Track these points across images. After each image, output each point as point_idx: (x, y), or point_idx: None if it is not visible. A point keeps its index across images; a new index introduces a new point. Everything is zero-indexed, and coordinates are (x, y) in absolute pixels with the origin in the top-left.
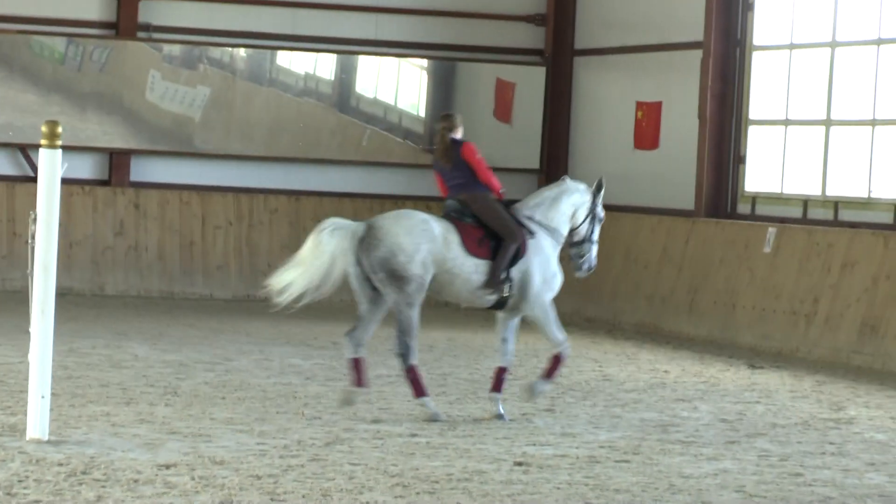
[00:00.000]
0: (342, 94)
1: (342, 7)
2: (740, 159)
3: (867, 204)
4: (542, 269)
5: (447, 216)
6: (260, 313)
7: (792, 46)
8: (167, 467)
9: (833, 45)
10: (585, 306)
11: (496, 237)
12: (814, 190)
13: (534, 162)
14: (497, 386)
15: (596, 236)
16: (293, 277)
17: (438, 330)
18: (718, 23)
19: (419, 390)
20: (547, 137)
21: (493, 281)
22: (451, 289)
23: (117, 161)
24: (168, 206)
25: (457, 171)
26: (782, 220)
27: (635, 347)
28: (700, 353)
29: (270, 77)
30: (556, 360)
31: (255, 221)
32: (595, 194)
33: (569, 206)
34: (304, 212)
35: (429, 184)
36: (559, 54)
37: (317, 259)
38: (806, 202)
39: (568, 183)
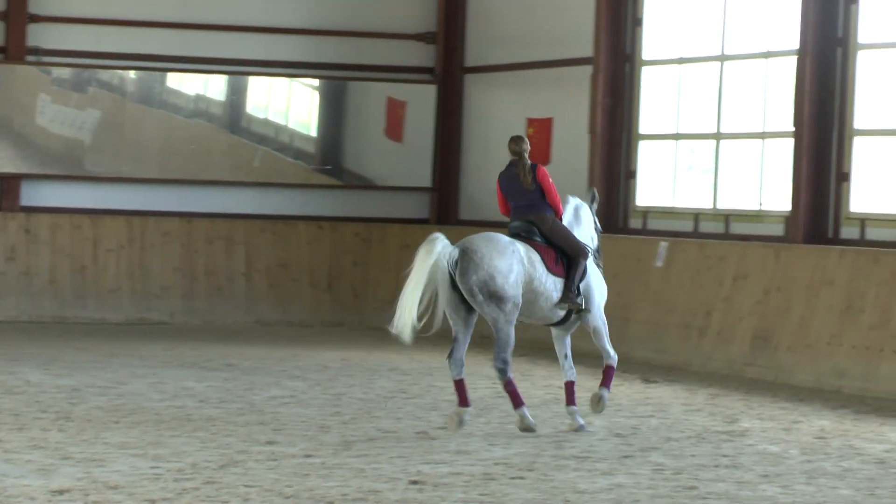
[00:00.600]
0: (233, 115)
1: (232, 28)
2: (631, 174)
3: (758, 216)
4: (598, 282)
5: (518, 236)
6: (153, 336)
7: (681, 61)
8: (61, 493)
9: (722, 58)
10: (479, 323)
11: (566, 255)
12: (705, 203)
13: (426, 180)
14: (571, 398)
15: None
16: (407, 302)
17: (332, 350)
18: (607, 38)
19: (517, 401)
20: (438, 155)
21: (569, 296)
22: (533, 306)
23: (7, 185)
24: (59, 231)
25: (530, 193)
26: (674, 234)
27: (529, 364)
28: (594, 368)
29: (161, 99)
30: (611, 370)
31: (147, 244)
32: (591, 207)
33: (588, 220)
34: (197, 234)
35: (321, 204)
36: (449, 72)
37: (422, 275)
38: (697, 216)
39: (576, 200)
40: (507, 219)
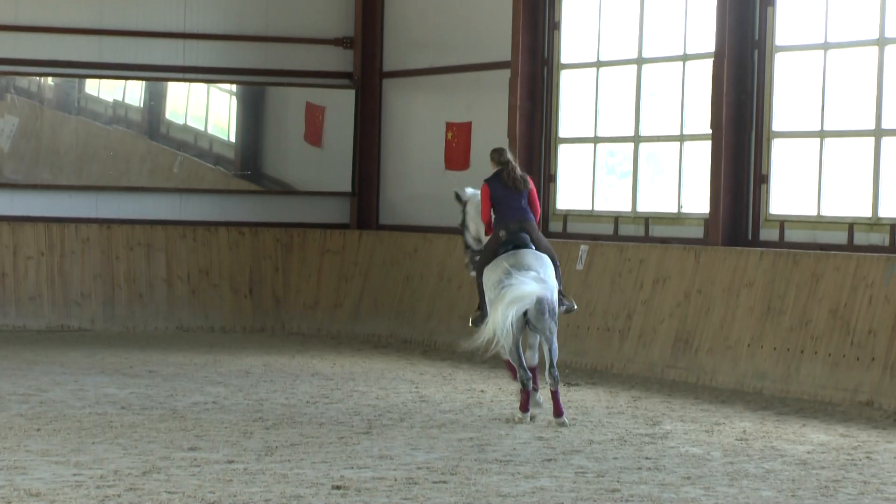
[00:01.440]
0: (152, 120)
1: (149, 33)
2: (551, 177)
3: (677, 219)
4: None
5: (523, 243)
6: (74, 343)
7: (599, 64)
8: None
9: (640, 61)
10: (400, 328)
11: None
12: (624, 206)
13: (346, 185)
14: (535, 384)
15: None
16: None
17: (254, 355)
18: (525, 42)
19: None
20: (358, 160)
21: (564, 299)
22: None
23: None
24: None
25: (522, 200)
26: (594, 238)
27: (451, 368)
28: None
29: (79, 105)
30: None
31: (66, 251)
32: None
33: None
34: (117, 240)
35: (241, 210)
36: (368, 77)
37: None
38: (617, 219)
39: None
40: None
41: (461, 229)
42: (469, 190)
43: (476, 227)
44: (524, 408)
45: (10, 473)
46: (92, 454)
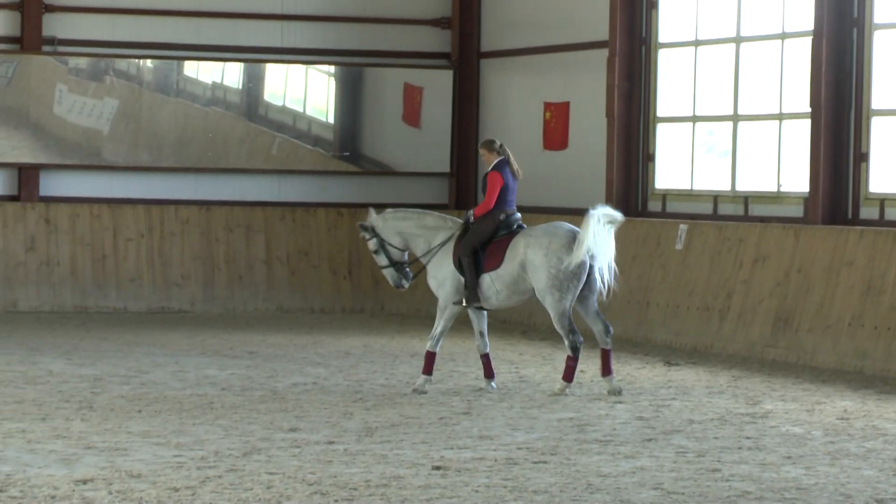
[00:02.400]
0: (250, 102)
1: (247, 15)
2: (649, 157)
3: (777, 198)
4: None
5: (520, 227)
6: (174, 325)
7: (697, 43)
8: (84, 482)
9: (738, 40)
10: (500, 308)
11: None
12: (723, 185)
13: (444, 166)
14: (491, 371)
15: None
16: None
17: (354, 336)
18: (623, 21)
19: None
20: (456, 141)
21: None
22: None
23: (26, 176)
24: (79, 220)
25: (516, 187)
26: (693, 217)
27: (551, 348)
28: (615, 352)
29: (177, 87)
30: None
31: (166, 232)
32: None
33: None
34: (216, 221)
35: (340, 191)
36: (465, 57)
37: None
38: (716, 198)
39: None
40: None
41: (381, 250)
42: (372, 212)
43: (401, 240)
44: (568, 378)
45: (111, 455)
46: (192, 435)
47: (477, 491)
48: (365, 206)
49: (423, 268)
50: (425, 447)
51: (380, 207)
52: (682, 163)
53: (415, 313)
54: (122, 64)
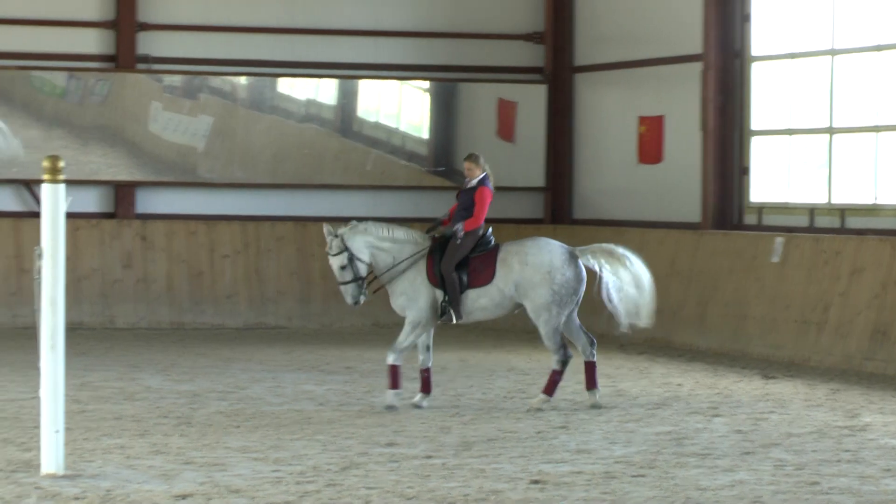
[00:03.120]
0: (344, 118)
1: (341, 32)
2: (744, 170)
3: (873, 210)
4: None
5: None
6: (271, 341)
7: (791, 56)
8: (183, 497)
9: (833, 52)
10: (596, 322)
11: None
12: (819, 198)
13: (539, 180)
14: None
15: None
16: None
17: (450, 351)
18: (717, 34)
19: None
20: (551, 155)
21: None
22: None
23: (122, 193)
24: (175, 237)
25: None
26: (789, 230)
27: (647, 362)
28: (713, 365)
29: (272, 104)
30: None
31: (262, 249)
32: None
33: None
34: (311, 238)
35: (434, 205)
36: (559, 71)
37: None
38: (812, 210)
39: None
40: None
41: (349, 266)
42: (341, 229)
43: (369, 254)
44: (549, 391)
45: (210, 470)
46: (291, 450)
47: None
48: None
49: (383, 284)
50: (523, 461)
51: (343, 221)
52: (777, 176)
53: (511, 327)
54: (216, 81)
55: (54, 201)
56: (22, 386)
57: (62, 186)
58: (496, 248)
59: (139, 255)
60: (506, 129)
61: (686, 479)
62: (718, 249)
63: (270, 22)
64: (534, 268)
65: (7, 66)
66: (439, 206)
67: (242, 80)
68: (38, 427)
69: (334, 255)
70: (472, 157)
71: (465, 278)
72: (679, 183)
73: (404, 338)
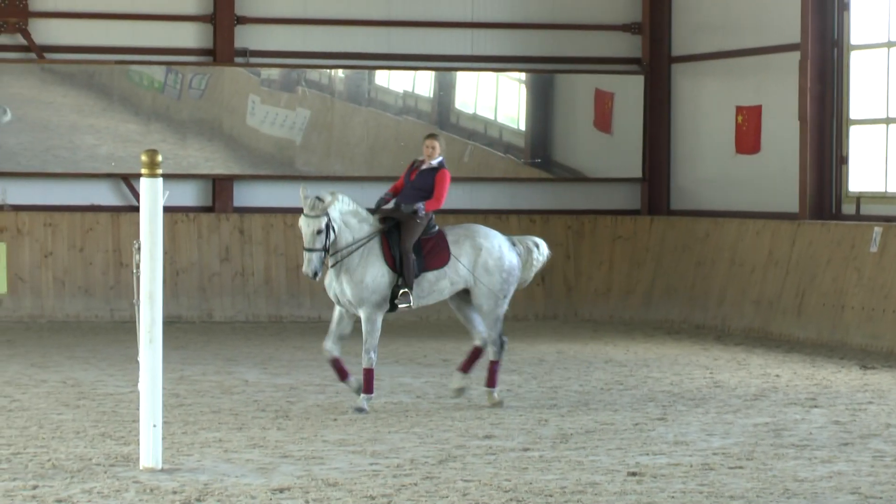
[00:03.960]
0: (441, 111)
1: (437, 24)
2: (843, 160)
3: None
4: None
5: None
6: None
7: (889, 44)
8: (281, 491)
9: None
10: (693, 313)
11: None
12: None
13: (636, 171)
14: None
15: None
16: None
17: (547, 343)
18: (814, 24)
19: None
20: (648, 146)
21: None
22: None
23: (220, 187)
24: (272, 230)
25: None
26: (888, 219)
27: (745, 353)
28: (811, 356)
29: (369, 97)
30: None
31: None
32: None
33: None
34: None
35: (531, 197)
36: (656, 62)
37: None
38: None
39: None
40: None
41: (325, 232)
42: (328, 197)
43: (338, 228)
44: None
45: (308, 463)
46: (388, 443)
47: (673, 497)
48: (557, 212)
49: (336, 262)
50: (620, 453)
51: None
52: (876, 165)
53: (607, 319)
54: (313, 74)
55: (153, 195)
56: (120, 380)
57: (160, 180)
58: (442, 232)
59: (237, 249)
60: (603, 120)
61: (784, 470)
62: (816, 239)
63: (367, 14)
64: (487, 252)
65: (106, 60)
66: (536, 197)
67: (339, 72)
68: (136, 421)
69: (313, 217)
70: (436, 137)
71: (420, 261)
72: (777, 173)
73: (373, 335)
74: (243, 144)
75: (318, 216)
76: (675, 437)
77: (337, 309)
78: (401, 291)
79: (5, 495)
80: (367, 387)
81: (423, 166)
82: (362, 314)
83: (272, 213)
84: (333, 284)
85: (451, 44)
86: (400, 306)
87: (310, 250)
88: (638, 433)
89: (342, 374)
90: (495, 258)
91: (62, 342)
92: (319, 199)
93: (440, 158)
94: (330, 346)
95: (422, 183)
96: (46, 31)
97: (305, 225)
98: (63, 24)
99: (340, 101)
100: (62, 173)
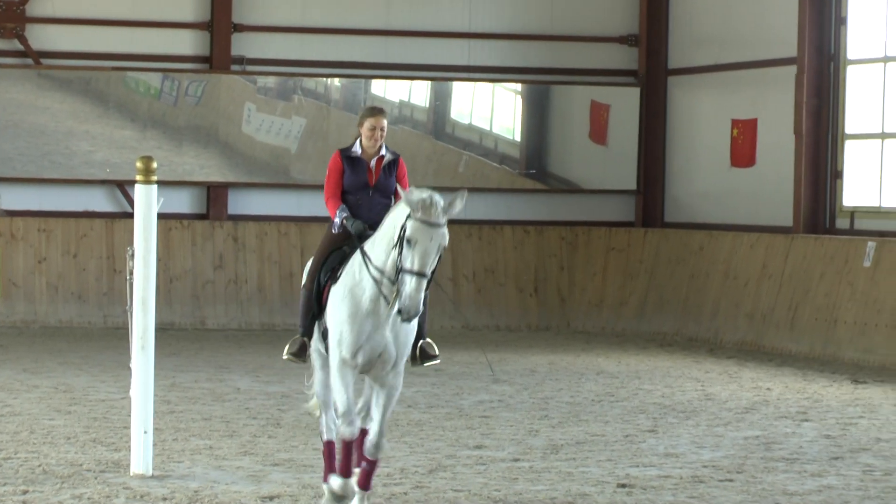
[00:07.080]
0: (437, 120)
1: (434, 34)
2: (837, 174)
3: None
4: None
5: None
6: None
7: (886, 59)
8: (271, 499)
9: None
10: (686, 326)
11: None
12: None
13: (630, 183)
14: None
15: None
16: None
17: (539, 354)
18: (811, 38)
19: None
20: (643, 158)
21: None
22: None
23: (215, 194)
24: (267, 238)
25: None
26: (881, 234)
27: (737, 366)
28: (802, 370)
29: (365, 105)
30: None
31: None
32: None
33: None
34: None
35: (526, 208)
36: (653, 74)
37: None
38: None
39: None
40: None
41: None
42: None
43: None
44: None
45: (298, 471)
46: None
47: None
48: (551, 223)
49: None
50: (610, 465)
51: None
52: (870, 180)
53: (600, 331)
54: (309, 83)
55: (147, 202)
56: (112, 386)
57: (154, 187)
58: None
59: (231, 256)
60: (598, 131)
61: (774, 483)
62: (810, 253)
63: (364, 24)
64: None
65: (102, 66)
66: (531, 208)
67: (336, 81)
68: (127, 427)
69: (440, 226)
70: (384, 113)
71: None
72: (771, 187)
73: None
74: (239, 152)
75: (444, 226)
76: (666, 449)
77: (367, 382)
78: (421, 342)
79: None
80: (367, 482)
81: (373, 160)
82: (397, 379)
83: (266, 220)
84: (374, 336)
85: (448, 54)
86: (425, 364)
87: (421, 275)
88: (628, 445)
89: (351, 462)
90: None
91: (55, 348)
92: (447, 201)
93: (382, 144)
94: (357, 421)
95: (385, 185)
96: (43, 37)
97: (428, 238)
98: (60, 30)
99: (336, 109)
100: (57, 179)
